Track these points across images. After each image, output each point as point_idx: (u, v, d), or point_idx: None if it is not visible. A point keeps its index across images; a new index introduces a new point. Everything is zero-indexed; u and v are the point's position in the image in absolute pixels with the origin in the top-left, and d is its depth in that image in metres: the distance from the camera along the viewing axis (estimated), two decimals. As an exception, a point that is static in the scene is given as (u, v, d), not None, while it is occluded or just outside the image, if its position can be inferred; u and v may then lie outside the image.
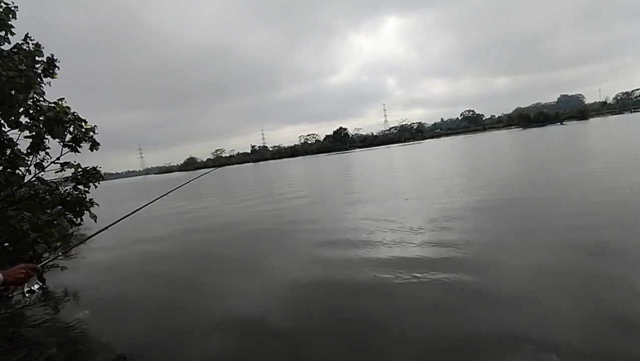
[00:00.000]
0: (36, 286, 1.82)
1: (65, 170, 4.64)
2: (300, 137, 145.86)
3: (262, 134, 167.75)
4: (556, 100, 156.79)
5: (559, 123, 78.58)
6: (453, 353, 2.94)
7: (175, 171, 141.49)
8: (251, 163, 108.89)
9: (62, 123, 4.42)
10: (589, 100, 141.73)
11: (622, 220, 5.90)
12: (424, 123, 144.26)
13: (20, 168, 4.45)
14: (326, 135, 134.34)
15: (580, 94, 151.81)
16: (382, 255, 5.66)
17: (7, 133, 4.52)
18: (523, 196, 9.09)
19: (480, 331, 3.18)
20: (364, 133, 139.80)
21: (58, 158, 4.65)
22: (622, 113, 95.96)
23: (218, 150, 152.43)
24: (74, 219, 4.82)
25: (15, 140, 4.52)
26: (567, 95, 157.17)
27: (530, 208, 7.66)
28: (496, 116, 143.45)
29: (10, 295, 1.76)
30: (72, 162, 4.64)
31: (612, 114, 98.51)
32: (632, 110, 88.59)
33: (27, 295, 1.79)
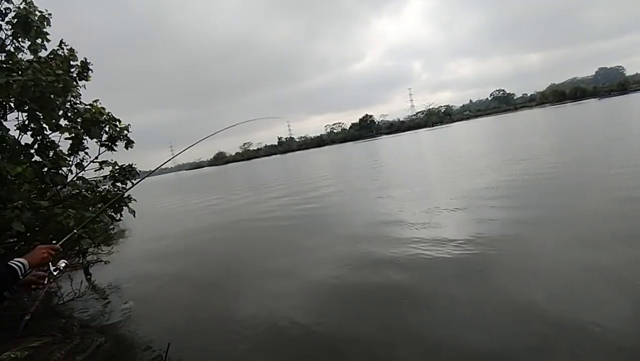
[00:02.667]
0: (62, 265, 1.87)
1: (103, 169, 4.86)
2: (326, 126, 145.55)
3: (289, 126, 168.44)
4: (594, 73, 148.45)
5: (598, 99, 73.14)
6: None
7: (206, 166, 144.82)
8: (279, 155, 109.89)
9: (99, 124, 4.61)
10: (630, 72, 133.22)
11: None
12: (452, 106, 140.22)
13: (62, 168, 4.69)
14: (352, 124, 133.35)
15: (620, 66, 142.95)
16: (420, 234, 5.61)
17: (49, 136, 4.75)
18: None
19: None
20: (391, 119, 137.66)
21: (96, 158, 4.87)
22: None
23: (246, 143, 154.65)
24: (114, 215, 5.04)
25: (56, 142, 4.77)
26: (606, 67, 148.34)
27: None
28: (528, 94, 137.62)
29: (44, 283, 1.80)
30: (109, 160, 4.85)
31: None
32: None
33: (54, 273, 1.84)
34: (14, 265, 1.67)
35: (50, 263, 1.83)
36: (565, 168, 9.39)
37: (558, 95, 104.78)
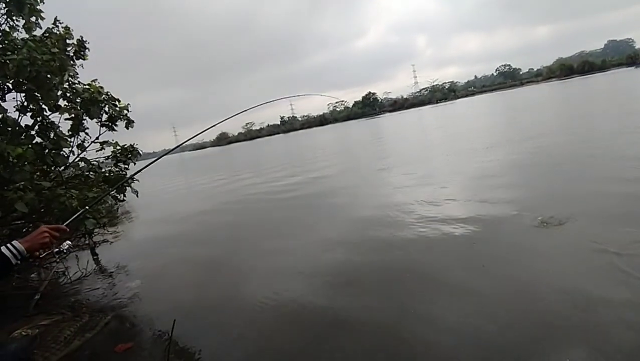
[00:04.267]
0: (66, 246, 1.84)
1: (104, 149, 4.84)
2: (328, 104, 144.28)
3: (291, 104, 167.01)
4: (602, 46, 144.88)
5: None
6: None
7: (209, 147, 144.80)
8: (282, 135, 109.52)
9: (98, 104, 4.56)
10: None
11: None
12: (457, 82, 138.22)
13: (64, 149, 4.67)
14: (355, 101, 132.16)
15: (629, 38, 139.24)
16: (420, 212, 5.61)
17: (49, 117, 4.71)
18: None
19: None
20: (394, 96, 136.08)
21: (97, 138, 4.85)
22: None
23: (248, 123, 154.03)
24: (117, 195, 5.05)
25: (56, 123, 4.73)
26: (615, 40, 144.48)
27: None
28: (535, 69, 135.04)
29: (40, 256, 1.76)
30: (110, 140, 4.83)
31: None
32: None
33: (57, 256, 1.81)
34: (6, 253, 1.63)
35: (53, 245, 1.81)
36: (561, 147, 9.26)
37: (566, 69, 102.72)
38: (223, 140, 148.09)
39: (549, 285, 3.11)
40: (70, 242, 1.88)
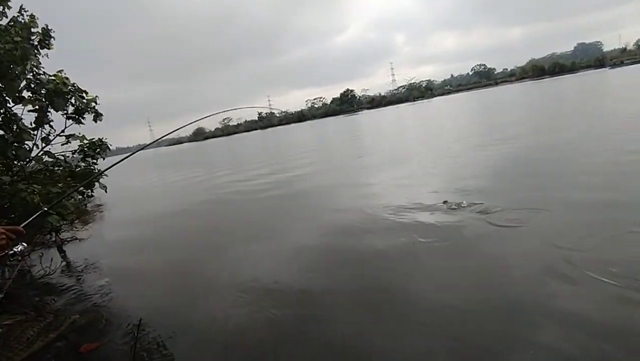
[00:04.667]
0: (19, 248, 1.76)
1: (71, 143, 4.67)
2: (307, 101, 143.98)
3: (269, 100, 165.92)
4: (572, 49, 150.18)
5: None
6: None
7: (185, 142, 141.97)
8: (259, 131, 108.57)
9: (63, 95, 4.39)
10: (608, 47, 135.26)
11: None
12: (433, 80, 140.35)
13: (27, 142, 4.48)
14: (333, 98, 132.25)
15: (598, 41, 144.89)
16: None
17: (12, 108, 4.51)
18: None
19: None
20: (372, 94, 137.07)
21: (63, 131, 4.67)
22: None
23: (225, 119, 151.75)
24: (85, 191, 4.89)
25: (19, 115, 4.53)
26: (585, 43, 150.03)
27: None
28: (509, 69, 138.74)
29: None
30: (77, 134, 4.65)
31: (632, 62, 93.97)
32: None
33: (11, 259, 1.74)
34: None
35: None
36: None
37: (537, 70, 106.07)
38: (200, 135, 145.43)
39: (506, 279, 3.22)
40: (25, 244, 1.78)
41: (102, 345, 3.39)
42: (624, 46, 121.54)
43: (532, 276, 3.21)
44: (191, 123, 3.55)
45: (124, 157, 3.35)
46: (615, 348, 2.25)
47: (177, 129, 3.15)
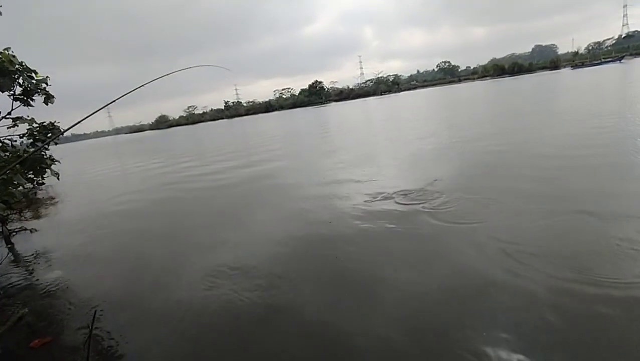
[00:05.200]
0: None
1: (18, 126, 4.34)
2: (275, 91, 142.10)
3: (236, 89, 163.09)
4: (530, 50, 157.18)
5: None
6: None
7: (147, 130, 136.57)
8: (225, 120, 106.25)
9: (10, 74, 4.06)
10: (562, 50, 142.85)
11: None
12: (400, 75, 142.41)
13: (-33, 124, 4.13)
14: (301, 89, 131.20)
15: (554, 44, 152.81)
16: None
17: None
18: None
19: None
20: (340, 86, 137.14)
21: (9, 114, 4.33)
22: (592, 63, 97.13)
23: (190, 107, 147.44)
24: (35, 178, 4.59)
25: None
26: (542, 45, 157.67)
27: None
28: (471, 67, 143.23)
29: None
30: (26, 117, 4.33)
31: (583, 64, 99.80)
32: (602, 60, 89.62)
33: None
34: None
35: None
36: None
37: (498, 69, 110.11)
38: (162, 123, 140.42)
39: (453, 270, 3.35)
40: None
41: (54, 340, 3.22)
42: (576, 50, 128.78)
43: (483, 259, 3.37)
44: (137, 88, 3.34)
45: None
46: (557, 320, 2.43)
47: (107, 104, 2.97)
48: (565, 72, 62.62)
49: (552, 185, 5.43)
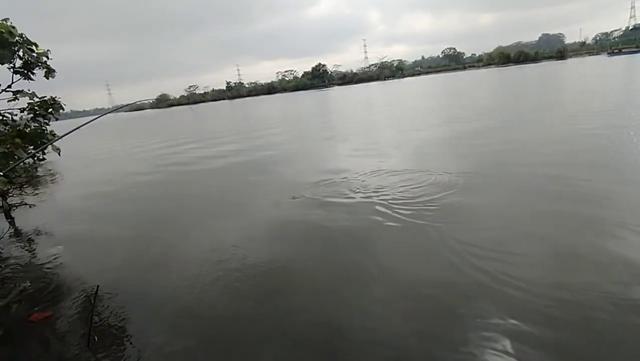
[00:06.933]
0: None
1: (18, 100, 4.27)
2: (277, 73, 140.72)
3: (238, 70, 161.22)
4: (537, 39, 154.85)
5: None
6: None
7: (147, 109, 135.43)
8: (227, 101, 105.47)
9: (9, 46, 3.97)
10: (569, 40, 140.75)
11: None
12: (405, 60, 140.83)
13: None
14: (304, 72, 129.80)
15: (561, 33, 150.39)
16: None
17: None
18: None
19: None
20: (344, 70, 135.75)
21: (10, 87, 4.26)
22: (599, 54, 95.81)
23: (192, 86, 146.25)
24: (37, 154, 4.55)
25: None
26: (549, 34, 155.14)
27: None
28: (477, 55, 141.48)
29: None
30: (26, 90, 4.27)
31: (590, 55, 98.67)
32: (609, 51, 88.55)
33: None
34: None
35: None
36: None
37: (504, 57, 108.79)
38: (163, 102, 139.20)
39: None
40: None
41: (56, 314, 3.24)
42: (583, 40, 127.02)
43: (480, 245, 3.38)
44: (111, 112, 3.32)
45: (86, 121, 3.14)
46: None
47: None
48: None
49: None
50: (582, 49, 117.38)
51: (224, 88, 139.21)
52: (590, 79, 23.34)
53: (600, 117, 9.47)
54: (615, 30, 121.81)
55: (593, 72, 30.38)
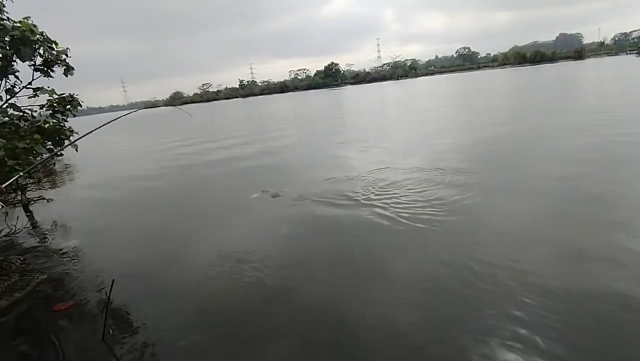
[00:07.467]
0: None
1: (38, 96, 4.37)
2: (290, 71, 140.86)
3: (251, 68, 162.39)
4: (554, 38, 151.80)
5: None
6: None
7: (162, 106, 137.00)
8: (240, 99, 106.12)
9: (30, 44, 4.06)
10: (587, 40, 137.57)
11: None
12: (418, 60, 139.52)
13: (-11, 93, 4.18)
14: (317, 71, 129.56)
15: (579, 33, 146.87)
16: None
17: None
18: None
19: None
20: (356, 69, 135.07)
21: (30, 84, 4.36)
22: (618, 54, 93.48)
23: (205, 84, 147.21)
24: (54, 149, 4.65)
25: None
26: (566, 33, 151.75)
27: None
28: (492, 54, 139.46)
29: None
30: (46, 87, 4.36)
31: (608, 55, 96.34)
32: (628, 52, 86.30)
33: None
34: None
35: None
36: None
37: (519, 57, 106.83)
38: (177, 100, 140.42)
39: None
40: (2, 204, 1.70)
41: (76, 305, 3.33)
42: (602, 40, 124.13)
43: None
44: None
45: (107, 122, 3.26)
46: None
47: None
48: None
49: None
50: (601, 49, 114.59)
51: (237, 86, 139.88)
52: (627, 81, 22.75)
53: None
54: (635, 31, 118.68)
55: (624, 73, 29.64)
